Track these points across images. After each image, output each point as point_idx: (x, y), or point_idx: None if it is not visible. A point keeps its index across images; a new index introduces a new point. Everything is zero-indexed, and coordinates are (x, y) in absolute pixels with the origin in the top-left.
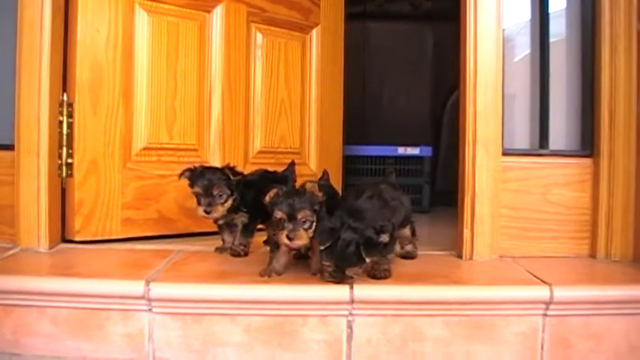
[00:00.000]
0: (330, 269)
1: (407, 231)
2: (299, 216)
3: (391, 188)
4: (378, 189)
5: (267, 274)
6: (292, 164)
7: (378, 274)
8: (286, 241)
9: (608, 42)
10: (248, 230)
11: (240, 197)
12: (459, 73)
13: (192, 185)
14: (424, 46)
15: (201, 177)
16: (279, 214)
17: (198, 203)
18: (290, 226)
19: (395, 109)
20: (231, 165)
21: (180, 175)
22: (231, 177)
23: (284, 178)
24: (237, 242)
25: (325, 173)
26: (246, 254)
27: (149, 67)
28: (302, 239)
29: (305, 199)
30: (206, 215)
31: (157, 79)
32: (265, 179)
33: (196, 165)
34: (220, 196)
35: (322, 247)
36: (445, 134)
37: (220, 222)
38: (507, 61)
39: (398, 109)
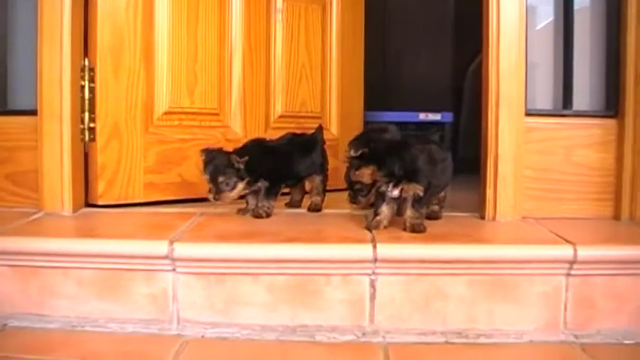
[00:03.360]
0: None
1: (442, 194)
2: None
3: (439, 149)
4: (429, 148)
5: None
6: (320, 128)
7: (417, 229)
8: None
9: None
10: (271, 193)
11: (259, 164)
12: (481, 33)
13: (203, 167)
14: (446, 11)
15: (209, 163)
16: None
17: (209, 190)
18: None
19: (416, 75)
20: (253, 138)
21: (201, 154)
22: (235, 164)
23: (312, 142)
24: (259, 204)
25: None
26: (268, 216)
27: (170, 31)
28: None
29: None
30: (215, 202)
31: (178, 43)
32: (293, 143)
33: (211, 146)
34: (227, 184)
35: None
36: (467, 100)
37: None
38: (531, 23)
39: (419, 75)
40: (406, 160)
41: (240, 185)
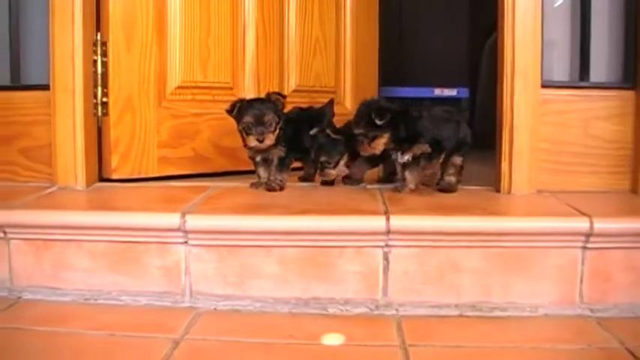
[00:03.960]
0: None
1: (458, 160)
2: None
3: (447, 111)
4: (430, 110)
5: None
6: (330, 102)
7: (447, 188)
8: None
9: None
10: (284, 165)
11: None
12: (494, 2)
13: (240, 117)
14: None
15: (250, 107)
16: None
17: (249, 133)
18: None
19: (431, 50)
20: (276, 90)
21: (230, 110)
22: (281, 99)
23: (321, 115)
24: (272, 177)
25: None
26: (282, 189)
27: (182, 4)
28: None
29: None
30: (259, 144)
31: (191, 17)
32: (302, 116)
33: (241, 98)
34: (271, 124)
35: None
36: (483, 75)
37: (258, 158)
38: None
39: (434, 50)
40: (408, 124)
41: (278, 129)
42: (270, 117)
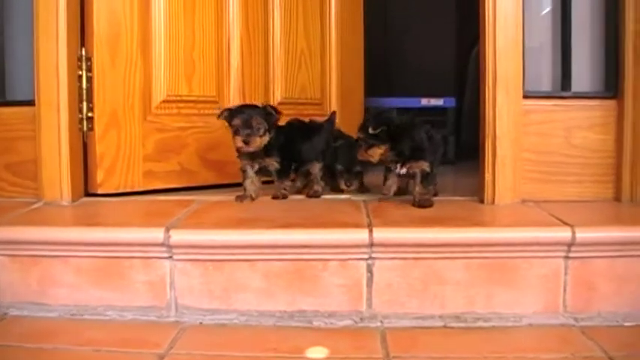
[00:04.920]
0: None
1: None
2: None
3: (432, 129)
4: (428, 128)
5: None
6: (333, 114)
7: (425, 203)
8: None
9: None
10: (283, 173)
11: (274, 141)
12: (478, 11)
13: (230, 119)
14: None
15: (240, 111)
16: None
17: (236, 135)
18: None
19: (418, 60)
20: (273, 105)
21: (219, 115)
22: (274, 113)
23: (316, 128)
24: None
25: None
26: (284, 197)
27: (166, 18)
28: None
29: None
30: (244, 146)
31: (175, 31)
32: (300, 129)
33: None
34: (258, 129)
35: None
36: (469, 85)
37: (249, 170)
38: (529, 3)
39: (421, 60)
40: (416, 140)
41: (267, 136)
42: (257, 121)
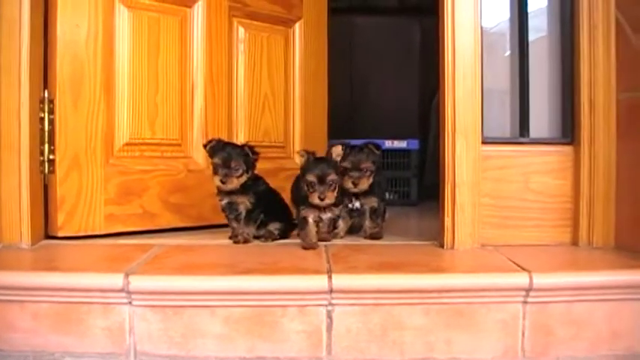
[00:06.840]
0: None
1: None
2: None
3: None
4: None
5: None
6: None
7: (376, 236)
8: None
9: (587, 32)
10: (250, 219)
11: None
12: (438, 63)
13: (212, 156)
14: (411, 40)
15: (222, 149)
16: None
17: (215, 173)
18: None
19: (382, 103)
20: (252, 145)
21: (205, 145)
22: (251, 155)
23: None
24: (240, 230)
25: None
26: (246, 242)
27: (130, 63)
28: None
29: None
30: (221, 185)
31: (139, 75)
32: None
33: (220, 138)
34: (237, 169)
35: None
36: (433, 127)
37: (230, 213)
38: (487, 53)
39: (385, 103)
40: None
41: (244, 177)
42: (237, 163)
